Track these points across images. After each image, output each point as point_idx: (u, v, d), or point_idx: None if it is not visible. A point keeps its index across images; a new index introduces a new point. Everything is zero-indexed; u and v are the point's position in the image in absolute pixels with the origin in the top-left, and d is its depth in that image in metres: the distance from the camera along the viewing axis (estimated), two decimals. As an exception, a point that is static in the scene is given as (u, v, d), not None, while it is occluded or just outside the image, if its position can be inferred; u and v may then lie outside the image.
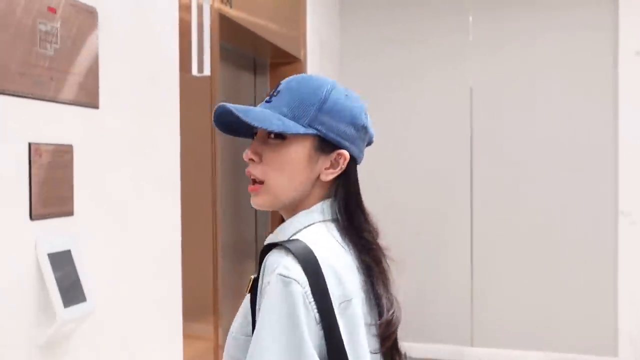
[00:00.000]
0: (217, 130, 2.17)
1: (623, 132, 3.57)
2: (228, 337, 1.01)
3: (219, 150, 2.20)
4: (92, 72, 1.45)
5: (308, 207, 0.99)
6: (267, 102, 0.99)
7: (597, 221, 3.64)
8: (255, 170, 0.98)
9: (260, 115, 0.95)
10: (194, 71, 1.93)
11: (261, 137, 0.99)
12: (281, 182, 0.97)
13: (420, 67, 3.86)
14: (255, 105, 3.25)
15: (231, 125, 1.00)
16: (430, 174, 3.83)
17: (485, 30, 3.77)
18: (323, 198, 1.00)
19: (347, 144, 0.98)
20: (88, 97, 1.44)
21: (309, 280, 0.87)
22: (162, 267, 1.78)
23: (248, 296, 0.99)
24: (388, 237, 1.05)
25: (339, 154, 0.98)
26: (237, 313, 1.03)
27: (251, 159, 0.98)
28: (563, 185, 3.69)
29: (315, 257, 0.90)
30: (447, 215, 3.82)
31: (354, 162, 1.02)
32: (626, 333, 3.60)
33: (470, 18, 3.78)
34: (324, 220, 0.98)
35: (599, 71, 3.62)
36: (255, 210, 3.23)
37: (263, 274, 0.91)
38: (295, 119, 0.95)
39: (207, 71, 1.96)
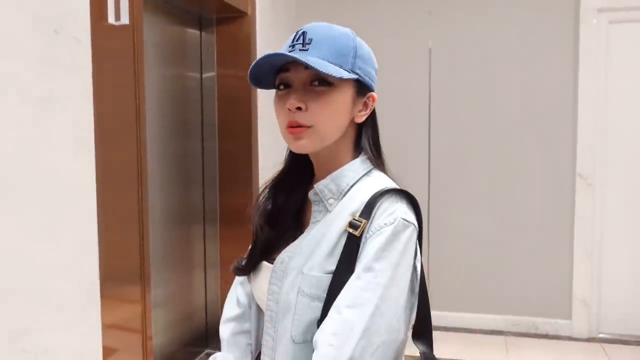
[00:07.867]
0: (142, 85, 2.06)
1: (583, 94, 3.49)
2: (291, 274, 1.02)
3: (146, 107, 2.07)
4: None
5: (344, 147, 1.09)
6: (301, 50, 1.01)
7: (554, 184, 3.59)
8: (303, 119, 1.02)
9: (322, 64, 0.99)
10: (110, 18, 1.78)
11: (301, 85, 1.03)
12: (329, 126, 1.03)
13: (381, 25, 3.71)
14: (201, 60, 3.09)
15: (255, 75, 1.04)
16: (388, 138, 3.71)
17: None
18: (355, 136, 1.10)
19: (374, 86, 1.09)
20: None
21: (418, 225, 1.02)
22: (75, 235, 1.67)
23: (332, 234, 1.02)
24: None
25: (370, 96, 1.09)
26: (299, 251, 1.04)
27: (299, 108, 1.02)
28: (521, 147, 3.62)
29: (417, 202, 1.04)
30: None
31: None
32: (580, 295, 3.59)
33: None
34: (373, 167, 1.10)
35: (559, 30, 3.51)
36: (203, 176, 3.11)
37: (375, 217, 0.99)
38: (340, 65, 1.02)
39: (124, 19, 1.81)
